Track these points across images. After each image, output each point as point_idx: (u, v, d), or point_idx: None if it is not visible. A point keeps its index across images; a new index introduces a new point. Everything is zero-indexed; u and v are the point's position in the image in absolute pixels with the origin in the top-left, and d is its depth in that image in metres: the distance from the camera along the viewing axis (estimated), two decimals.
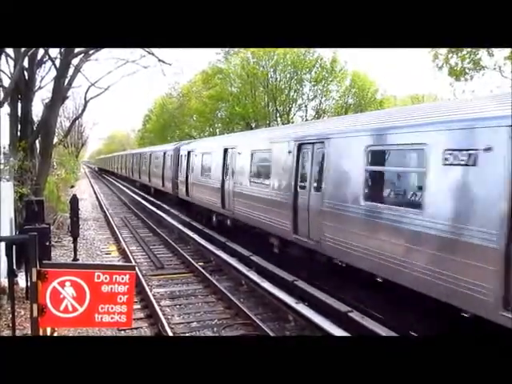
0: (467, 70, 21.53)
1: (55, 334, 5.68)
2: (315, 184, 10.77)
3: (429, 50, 21.59)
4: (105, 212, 26.58)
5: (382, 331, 7.76)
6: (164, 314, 9.56)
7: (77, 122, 49.38)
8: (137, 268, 12.39)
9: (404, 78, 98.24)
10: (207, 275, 12.31)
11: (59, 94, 16.42)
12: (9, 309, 7.30)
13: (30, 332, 4.16)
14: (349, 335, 7.69)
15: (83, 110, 26.32)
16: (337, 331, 7.90)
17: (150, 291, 11.04)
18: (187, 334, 8.81)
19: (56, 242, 16.56)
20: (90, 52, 17.26)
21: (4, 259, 8.83)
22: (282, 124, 39.84)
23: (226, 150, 17.18)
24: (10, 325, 5.18)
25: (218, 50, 42.07)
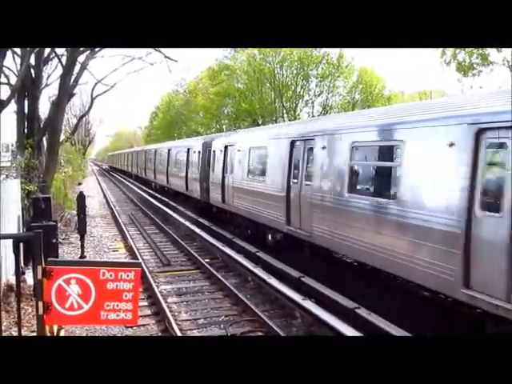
0: (475, 66, 21.37)
1: (62, 331, 5.69)
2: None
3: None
4: (112, 209, 26.65)
5: (390, 328, 7.74)
6: (171, 311, 9.57)
7: (84, 119, 49.62)
8: (143, 265, 12.42)
9: (412, 73, 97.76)
10: (214, 272, 12.33)
11: (66, 91, 16.46)
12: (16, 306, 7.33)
13: (36, 329, 4.17)
14: (358, 335, 7.65)
15: (90, 107, 26.47)
16: (344, 327, 7.88)
17: (157, 288, 11.07)
18: (194, 331, 8.82)
19: (63, 239, 16.64)
20: (96, 49, 17.29)
21: (12, 257, 8.87)
22: (289, 120, 39.75)
23: None
24: None
25: None
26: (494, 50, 20.45)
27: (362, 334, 7.59)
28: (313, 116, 41.96)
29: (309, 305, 9.12)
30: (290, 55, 41.46)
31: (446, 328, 7.59)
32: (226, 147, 18.21)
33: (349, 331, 7.74)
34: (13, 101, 14.28)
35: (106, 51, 18.89)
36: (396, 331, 7.60)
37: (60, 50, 17.49)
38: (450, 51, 21.43)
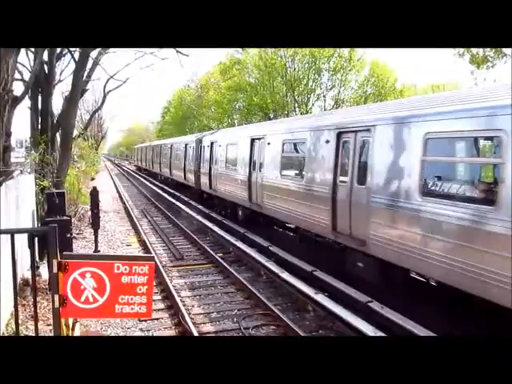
0: (489, 58, 21.09)
1: (77, 325, 5.76)
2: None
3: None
4: (125, 204, 26.83)
5: (402, 321, 7.72)
6: (184, 305, 9.64)
7: (96, 114, 49.81)
8: (156, 259, 12.49)
9: (424, 66, 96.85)
10: (227, 266, 12.37)
11: (78, 86, 16.52)
12: (32, 300, 7.43)
13: (52, 322, 4.22)
14: (373, 335, 7.65)
15: (102, 103, 26.55)
16: (356, 321, 7.89)
17: (170, 282, 11.14)
18: (208, 324, 8.87)
19: (77, 233, 16.79)
20: None
21: (27, 251, 8.98)
22: (301, 114, 39.62)
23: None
24: None
25: None
26: None
27: (374, 328, 7.60)
28: (325, 109, 41.81)
29: (321, 299, 9.13)
30: (301, 49, 41.19)
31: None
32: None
33: (362, 325, 7.75)
34: (27, 97, 14.38)
35: None
36: (408, 324, 7.59)
37: None
38: None
